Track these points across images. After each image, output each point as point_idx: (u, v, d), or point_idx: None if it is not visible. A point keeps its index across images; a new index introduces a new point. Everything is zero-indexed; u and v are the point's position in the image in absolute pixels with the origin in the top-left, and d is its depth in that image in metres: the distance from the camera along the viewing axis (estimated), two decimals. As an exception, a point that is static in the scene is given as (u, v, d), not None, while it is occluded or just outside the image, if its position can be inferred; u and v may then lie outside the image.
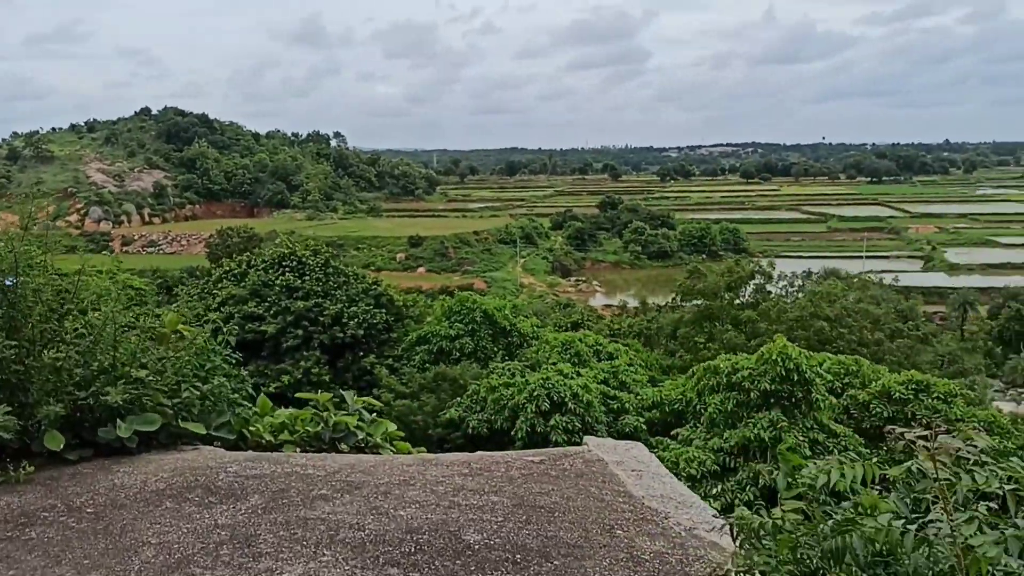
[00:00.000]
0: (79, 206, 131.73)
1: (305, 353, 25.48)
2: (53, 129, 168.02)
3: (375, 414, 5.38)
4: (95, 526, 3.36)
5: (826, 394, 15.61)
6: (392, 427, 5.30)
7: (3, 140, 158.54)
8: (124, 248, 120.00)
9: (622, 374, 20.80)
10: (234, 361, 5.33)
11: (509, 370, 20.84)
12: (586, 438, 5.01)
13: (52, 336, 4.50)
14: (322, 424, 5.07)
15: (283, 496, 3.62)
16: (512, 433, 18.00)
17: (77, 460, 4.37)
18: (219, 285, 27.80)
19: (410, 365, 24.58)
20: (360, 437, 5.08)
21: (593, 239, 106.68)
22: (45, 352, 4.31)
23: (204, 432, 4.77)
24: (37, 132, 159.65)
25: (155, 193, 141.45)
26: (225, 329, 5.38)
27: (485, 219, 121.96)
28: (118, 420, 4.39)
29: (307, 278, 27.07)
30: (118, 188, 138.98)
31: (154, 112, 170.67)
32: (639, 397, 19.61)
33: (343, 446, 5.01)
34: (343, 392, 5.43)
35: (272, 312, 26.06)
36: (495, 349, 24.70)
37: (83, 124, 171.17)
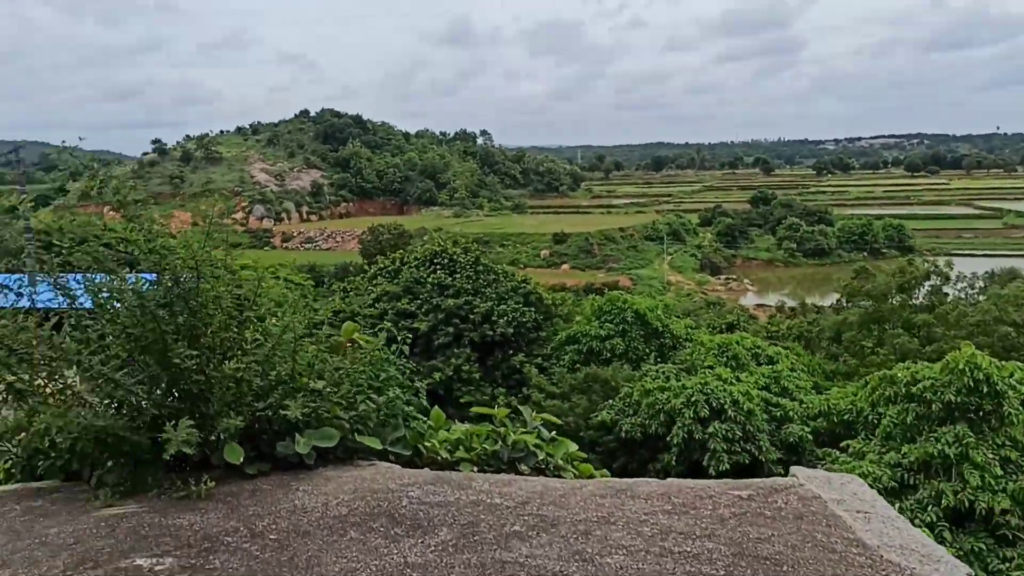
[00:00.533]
0: (244, 204, 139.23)
1: (455, 351, 25.65)
2: (221, 132, 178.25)
3: (554, 432, 5.04)
4: (279, 557, 3.14)
5: (1020, 408, 14.26)
6: (573, 447, 4.94)
7: (177, 143, 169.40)
8: (284, 244, 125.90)
9: (784, 380, 19.81)
10: (408, 372, 5.11)
11: (663, 373, 20.20)
12: (793, 469, 4.47)
13: (231, 345, 4.38)
14: (500, 442, 4.77)
15: (473, 531, 3.31)
16: (668, 439, 17.41)
17: (255, 474, 4.23)
18: (374, 282, 28.38)
19: (559, 365, 24.30)
20: (540, 457, 4.75)
21: (744, 236, 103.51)
22: (226, 362, 4.18)
23: (380, 447, 4.56)
24: (207, 135, 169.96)
25: (312, 192, 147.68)
26: (399, 338, 5.14)
27: (630, 215, 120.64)
28: (296, 434, 4.22)
29: (458, 276, 27.25)
30: (279, 187, 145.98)
31: (312, 114, 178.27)
32: (803, 405, 18.61)
33: (523, 467, 4.68)
34: (521, 407, 5.11)
35: (424, 309, 26.37)
36: (647, 350, 24.10)
37: (248, 127, 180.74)
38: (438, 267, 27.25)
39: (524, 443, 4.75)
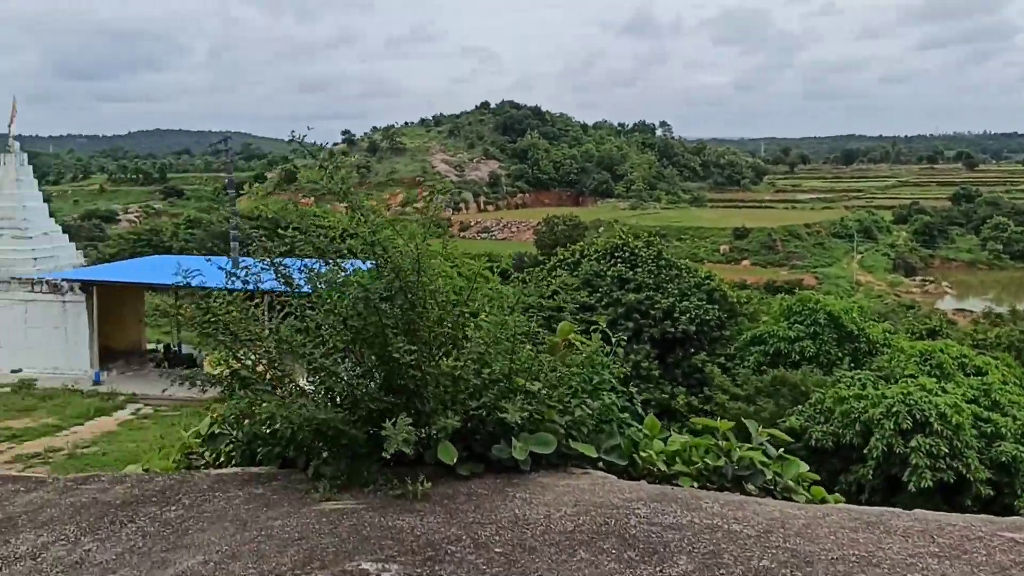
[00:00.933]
0: (425, 194, 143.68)
1: (635, 347, 25.20)
2: (405, 123, 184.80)
3: (781, 449, 4.62)
4: (508, 573, 2.95)
5: None
6: (803, 467, 4.50)
7: (364, 134, 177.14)
8: (461, 233, 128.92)
9: (995, 393, 18.16)
10: (622, 376, 4.83)
11: (859, 380, 19.01)
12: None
13: (447, 341, 4.25)
14: (723, 457, 4.41)
15: (717, 562, 2.99)
16: (865, 451, 16.35)
17: (468, 475, 4.09)
18: (553, 274, 28.32)
19: (743, 366, 23.40)
20: (768, 477, 4.36)
21: (943, 235, 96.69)
22: (443, 359, 4.05)
23: (595, 455, 4.32)
24: (392, 126, 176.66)
25: (490, 182, 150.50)
26: (614, 340, 4.87)
27: (816, 211, 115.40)
28: (512, 438, 4.04)
29: (639, 270, 26.77)
30: (458, 177, 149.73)
31: (492, 106, 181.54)
32: (1018, 422, 17.01)
33: (749, 486, 4.30)
34: (747, 421, 4.71)
35: (603, 304, 26.07)
36: (840, 355, 22.79)
37: (431, 118, 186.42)
38: (619, 260, 26.87)
39: (750, 460, 4.37)
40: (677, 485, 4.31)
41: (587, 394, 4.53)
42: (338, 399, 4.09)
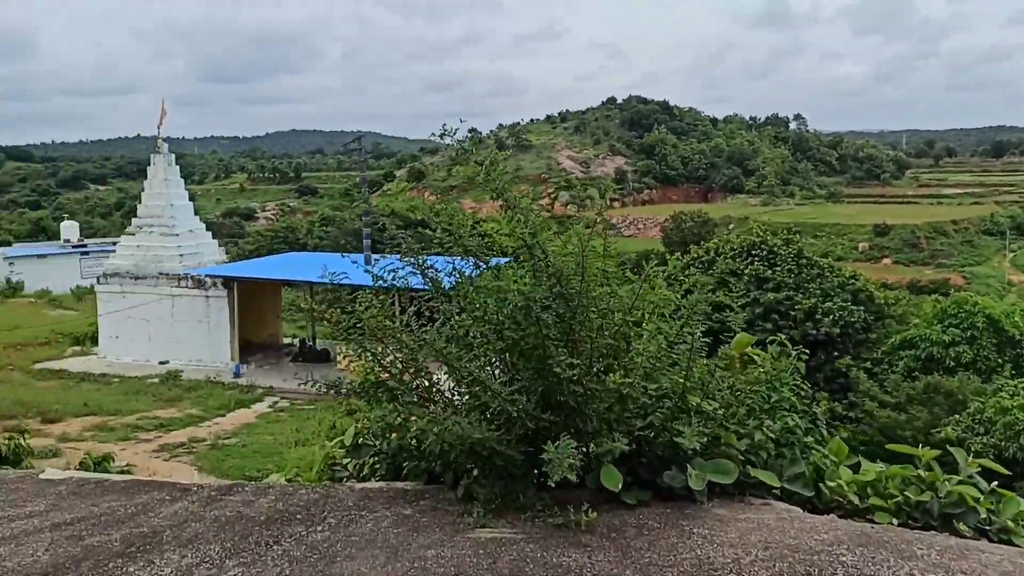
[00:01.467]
0: (550, 190, 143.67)
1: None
2: (531, 120, 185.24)
3: (995, 483, 3.99)
4: (700, 635, 2.52)
5: None
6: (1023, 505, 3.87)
7: (491, 131, 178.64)
8: (587, 230, 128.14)
9: None
10: (803, 393, 4.31)
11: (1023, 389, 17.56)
12: None
13: (608, 353, 3.84)
14: (927, 491, 3.83)
15: (956, 634, 2.47)
16: (1033, 467, 15.01)
17: (634, 504, 3.68)
18: (686, 272, 27.54)
19: (893, 371, 22.05)
20: (982, 516, 3.76)
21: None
22: (610, 375, 3.65)
23: (777, 485, 3.82)
24: (518, 123, 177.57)
25: (616, 178, 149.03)
26: (793, 352, 4.35)
27: (964, 206, 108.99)
28: (687, 464, 3.60)
29: (778, 269, 25.64)
30: (584, 174, 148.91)
31: (618, 101, 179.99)
32: None
33: (961, 526, 3.72)
34: (952, 449, 4.10)
35: (740, 303, 25.08)
36: (1000, 362, 21.16)
37: (556, 115, 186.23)
38: (756, 259, 25.83)
39: (960, 495, 3.78)
40: (872, 522, 3.77)
41: (765, 414, 4.05)
42: (491, 415, 3.75)
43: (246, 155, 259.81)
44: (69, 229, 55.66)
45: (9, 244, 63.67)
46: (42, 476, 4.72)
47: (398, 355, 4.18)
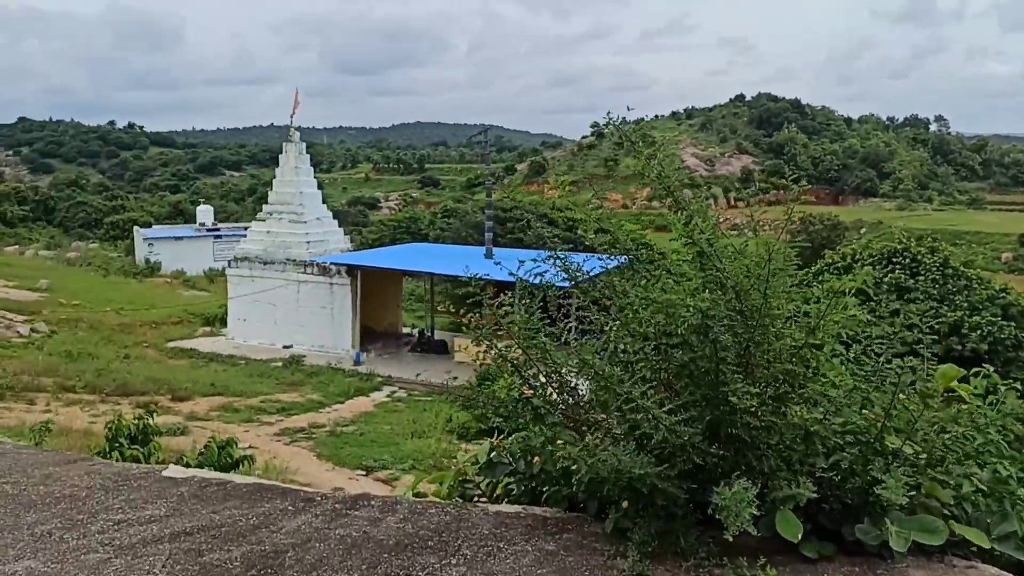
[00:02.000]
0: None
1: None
2: (656, 116, 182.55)
3: None
4: None
5: None
6: None
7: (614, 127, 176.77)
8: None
9: None
10: (1015, 436, 3.66)
11: None
12: None
13: (789, 381, 3.32)
14: None
15: None
16: None
17: (816, 558, 3.16)
18: (819, 278, 26.27)
19: (1047, 393, 20.28)
20: None
21: None
22: (793, 407, 3.13)
23: (987, 545, 3.22)
24: (642, 119, 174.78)
25: (742, 178, 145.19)
26: (1003, 387, 3.71)
27: None
28: (884, 518, 3.05)
29: (921, 278, 24.08)
30: (708, 172, 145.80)
31: (747, 99, 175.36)
32: None
33: None
34: None
35: (876, 314, 23.70)
36: None
37: (682, 111, 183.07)
38: (897, 267, 24.33)
39: None
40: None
41: (970, 459, 3.45)
42: (649, 445, 3.28)
43: (372, 145, 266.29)
44: (204, 213, 57.99)
45: (149, 225, 66.93)
46: (165, 473, 4.54)
47: (541, 368, 3.79)
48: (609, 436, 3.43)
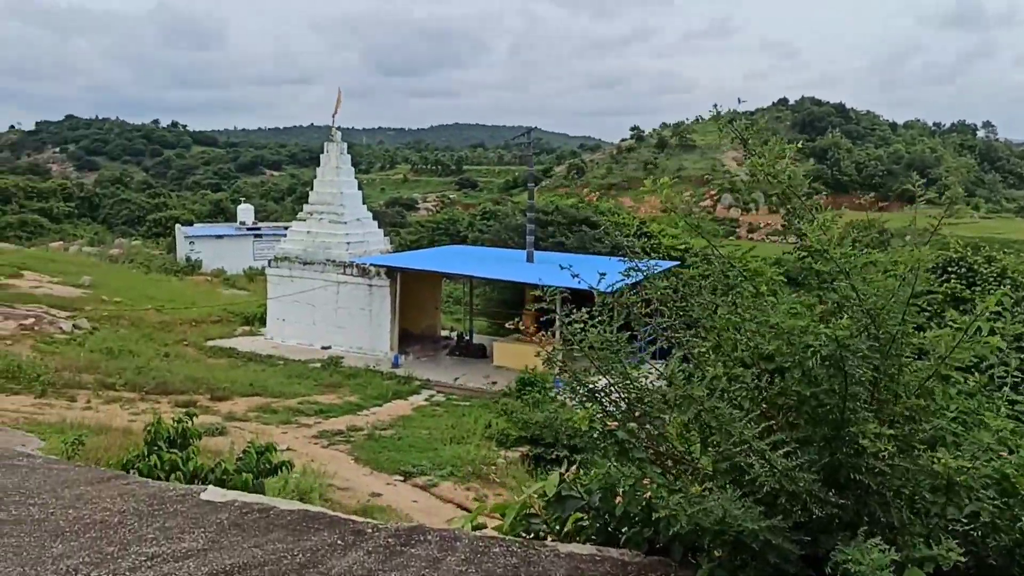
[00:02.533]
0: (713, 193, 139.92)
1: (969, 376, 21.85)
2: (697, 119, 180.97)
3: None
4: None
5: None
6: None
7: (653, 130, 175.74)
8: (749, 235, 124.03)
9: None
10: None
11: None
12: None
13: (917, 419, 2.86)
14: None
15: None
16: None
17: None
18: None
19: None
20: None
21: None
22: (931, 452, 2.68)
23: None
24: (682, 122, 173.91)
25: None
26: None
27: None
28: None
29: (977, 288, 23.21)
30: (749, 176, 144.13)
31: (790, 102, 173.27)
32: None
33: None
34: None
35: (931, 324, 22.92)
36: None
37: (722, 114, 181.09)
38: (952, 276, 23.53)
39: None
40: None
41: None
42: (759, 492, 2.84)
43: (410, 146, 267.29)
44: (245, 212, 58.26)
45: (191, 223, 67.47)
46: (203, 496, 4.20)
47: (623, 395, 3.36)
48: (705, 478, 3.01)
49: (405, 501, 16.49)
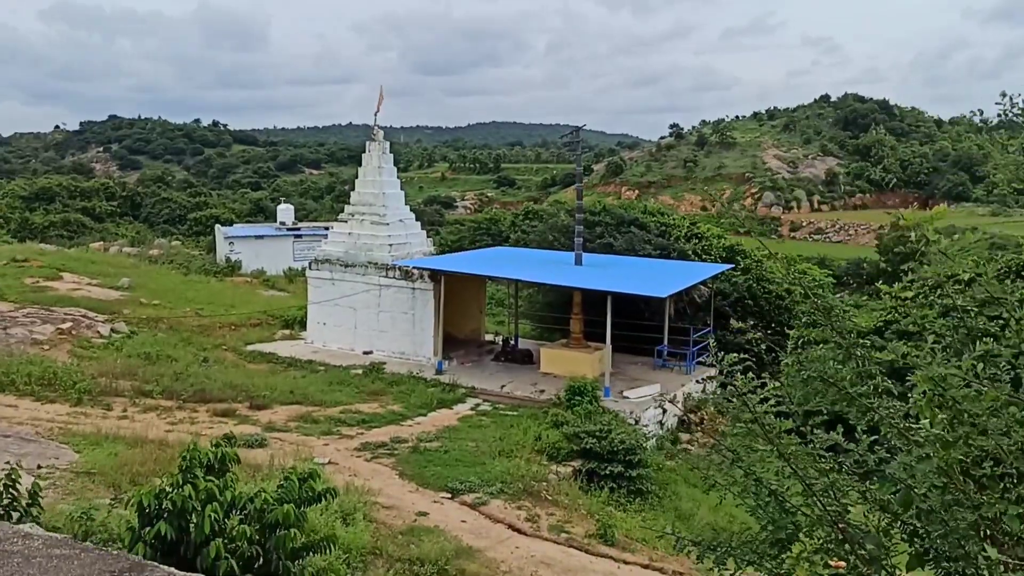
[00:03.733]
0: (753, 191, 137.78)
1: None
2: (737, 117, 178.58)
3: None
4: None
5: None
6: None
7: (693, 127, 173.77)
8: (791, 234, 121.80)
9: None
10: None
11: None
12: None
13: None
14: None
15: None
16: None
17: None
18: (937, 292, 24.11)
19: None
20: None
21: None
22: None
23: None
24: (722, 120, 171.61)
25: (826, 180, 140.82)
26: None
27: None
28: None
29: (1056, 296, 21.78)
30: (791, 174, 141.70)
31: (833, 99, 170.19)
32: None
33: None
34: None
35: (1008, 335, 21.55)
36: None
37: (764, 112, 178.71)
38: (1029, 282, 22.12)
39: None
40: None
41: None
42: None
43: (448, 145, 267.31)
44: (285, 212, 57.80)
45: (231, 223, 67.33)
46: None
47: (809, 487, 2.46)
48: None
49: (454, 521, 15.60)
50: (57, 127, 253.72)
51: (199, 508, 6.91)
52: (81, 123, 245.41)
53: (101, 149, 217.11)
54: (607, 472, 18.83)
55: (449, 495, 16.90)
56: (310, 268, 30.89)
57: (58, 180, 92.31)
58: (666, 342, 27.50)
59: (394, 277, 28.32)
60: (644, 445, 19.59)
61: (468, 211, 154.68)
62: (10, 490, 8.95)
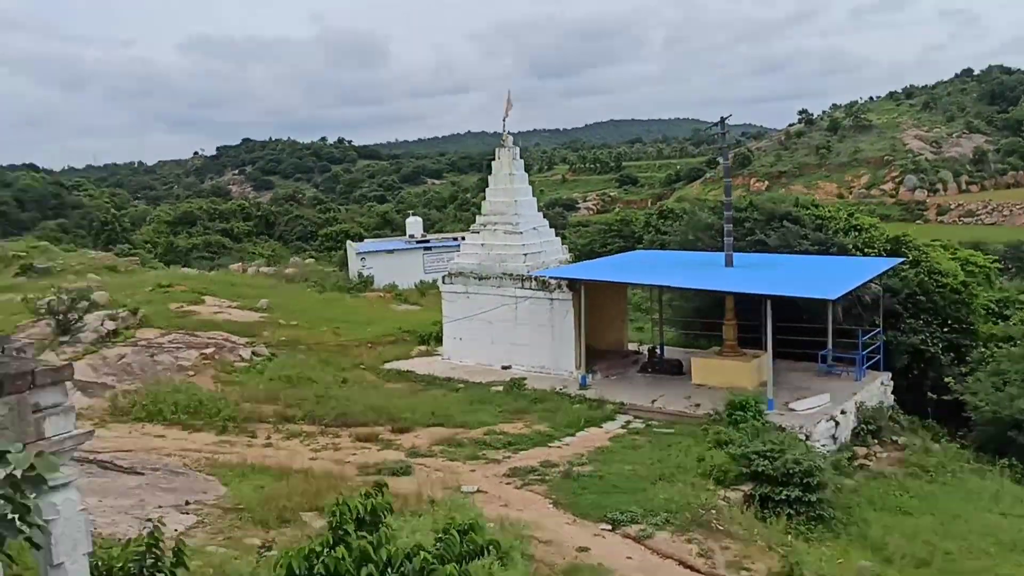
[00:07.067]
0: (894, 174, 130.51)
1: None
2: (871, 98, 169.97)
3: None
4: None
5: None
6: None
7: (823, 112, 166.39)
8: (939, 218, 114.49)
9: None
10: None
11: None
12: None
13: None
14: None
15: None
16: None
17: None
18: None
19: None
20: None
21: None
22: None
23: None
24: (855, 102, 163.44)
25: (974, 159, 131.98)
26: None
27: None
28: None
29: None
30: (935, 155, 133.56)
31: (975, 73, 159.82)
32: None
33: None
34: None
35: None
36: None
37: (900, 91, 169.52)
38: None
39: None
40: None
41: None
42: None
43: (567, 146, 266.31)
44: (414, 225, 57.73)
45: (361, 237, 68.02)
46: None
47: None
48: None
49: (619, 558, 14.14)
50: (196, 153, 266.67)
51: (353, 571, 6.24)
52: (217, 148, 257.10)
53: (236, 172, 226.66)
54: (783, 497, 16.95)
55: (609, 527, 15.47)
56: (443, 282, 30.06)
57: (198, 204, 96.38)
58: (830, 346, 25.21)
59: (530, 288, 27.10)
60: (822, 465, 17.58)
61: (591, 211, 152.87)
62: (153, 549, 8.22)
